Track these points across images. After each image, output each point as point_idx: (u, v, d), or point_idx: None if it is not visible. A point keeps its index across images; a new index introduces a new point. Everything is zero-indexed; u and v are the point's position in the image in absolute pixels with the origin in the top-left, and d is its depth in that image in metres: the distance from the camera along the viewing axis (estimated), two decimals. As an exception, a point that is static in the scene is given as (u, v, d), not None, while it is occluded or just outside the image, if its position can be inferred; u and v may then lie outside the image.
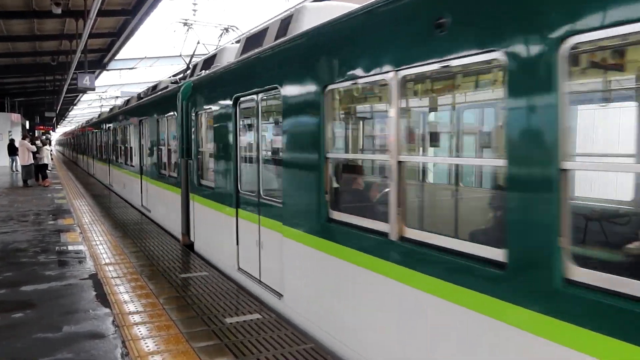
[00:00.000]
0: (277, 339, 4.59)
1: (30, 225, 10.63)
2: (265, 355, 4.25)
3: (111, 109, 23.35)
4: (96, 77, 20.88)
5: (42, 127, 45.63)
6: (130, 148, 14.25)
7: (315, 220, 4.48)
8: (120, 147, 16.15)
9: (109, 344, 4.49)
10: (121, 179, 16.10)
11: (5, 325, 4.98)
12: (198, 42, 13.15)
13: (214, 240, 7.48)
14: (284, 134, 4.97)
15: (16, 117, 33.63)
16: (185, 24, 13.25)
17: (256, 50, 6.00)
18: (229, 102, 6.48)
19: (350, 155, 5.65)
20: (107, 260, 7.55)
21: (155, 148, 11.07)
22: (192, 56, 13.09)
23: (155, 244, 8.84)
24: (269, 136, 6.20)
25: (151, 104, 11.73)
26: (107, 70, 25.59)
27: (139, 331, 4.77)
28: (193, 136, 8.32)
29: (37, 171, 19.87)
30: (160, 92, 11.59)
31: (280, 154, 5.18)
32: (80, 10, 14.57)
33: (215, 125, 7.09)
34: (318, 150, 4.37)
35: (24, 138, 23.17)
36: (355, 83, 4.08)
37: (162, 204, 10.60)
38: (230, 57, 8.10)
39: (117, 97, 36.39)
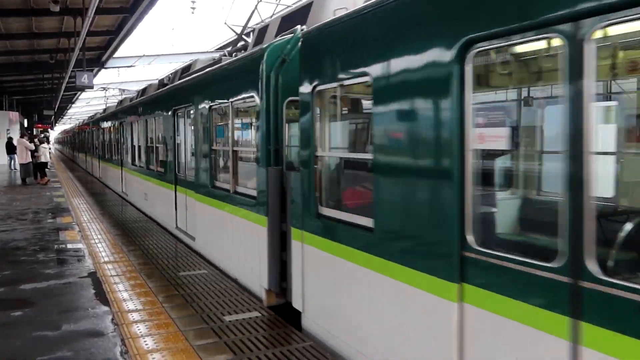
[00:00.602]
0: (276, 337, 4.60)
1: (29, 224, 10.61)
2: (264, 353, 4.26)
3: (120, 102, 21.11)
4: (94, 75, 20.84)
5: (40, 125, 45.62)
6: (156, 148, 11.08)
7: None
8: (140, 147, 12.96)
9: (108, 342, 4.49)
10: (141, 188, 12.70)
11: (4, 323, 4.98)
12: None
13: (370, 332, 3.89)
14: None
15: (14, 115, 33.61)
16: None
17: None
18: (438, 57, 3.14)
19: None
20: (106, 259, 7.55)
21: (204, 150, 7.62)
22: (248, 20, 9.39)
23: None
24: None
25: (196, 87, 8.28)
26: (106, 68, 25.52)
27: (138, 329, 4.78)
28: (303, 130, 4.78)
29: (35, 169, 19.87)
30: (214, 67, 7.85)
31: None
32: (79, 8, 14.54)
33: (382, 107, 3.69)
34: None
35: (22, 136, 23.16)
36: None
37: (222, 235, 7.08)
38: None
39: (123, 89, 35.55)
